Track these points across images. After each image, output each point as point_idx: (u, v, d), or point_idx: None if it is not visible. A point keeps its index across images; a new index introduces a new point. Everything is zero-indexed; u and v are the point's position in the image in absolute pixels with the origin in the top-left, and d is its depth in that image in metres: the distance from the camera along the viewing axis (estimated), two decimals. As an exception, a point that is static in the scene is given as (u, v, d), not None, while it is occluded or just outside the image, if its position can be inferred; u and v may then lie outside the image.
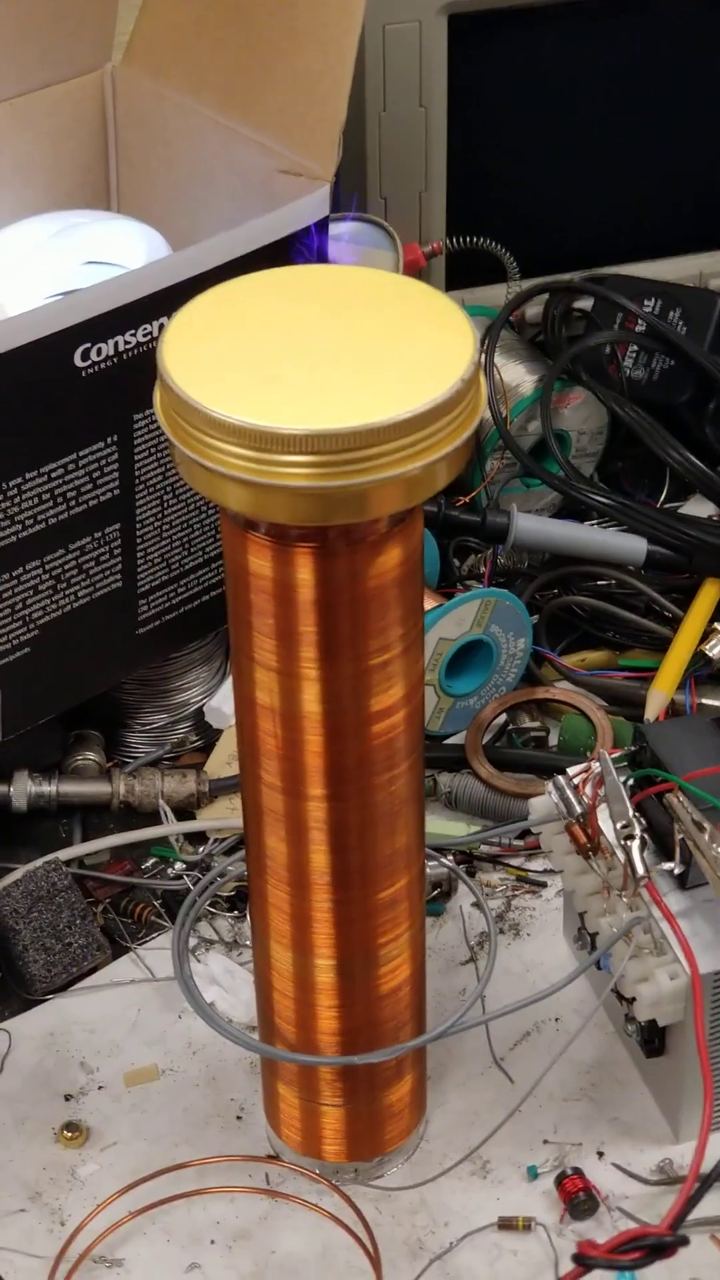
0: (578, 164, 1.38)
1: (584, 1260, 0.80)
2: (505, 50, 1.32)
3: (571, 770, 1.01)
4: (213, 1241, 0.98)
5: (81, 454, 1.03)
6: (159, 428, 1.05)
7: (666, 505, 1.33)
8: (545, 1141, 1.02)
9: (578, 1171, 0.99)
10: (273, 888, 0.91)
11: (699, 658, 1.21)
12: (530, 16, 1.30)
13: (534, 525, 1.25)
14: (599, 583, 1.27)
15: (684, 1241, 0.81)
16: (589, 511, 1.30)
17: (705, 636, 1.22)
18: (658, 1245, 0.80)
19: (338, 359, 0.77)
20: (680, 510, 1.31)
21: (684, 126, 1.39)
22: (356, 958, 0.92)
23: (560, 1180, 0.99)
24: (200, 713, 1.22)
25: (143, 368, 1.03)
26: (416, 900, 0.93)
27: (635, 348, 1.33)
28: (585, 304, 1.37)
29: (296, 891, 0.90)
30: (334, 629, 0.81)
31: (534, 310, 1.39)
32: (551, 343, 1.36)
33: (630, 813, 0.96)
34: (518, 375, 1.32)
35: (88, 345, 1.00)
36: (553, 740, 1.22)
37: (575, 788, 0.99)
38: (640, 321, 1.32)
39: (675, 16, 1.34)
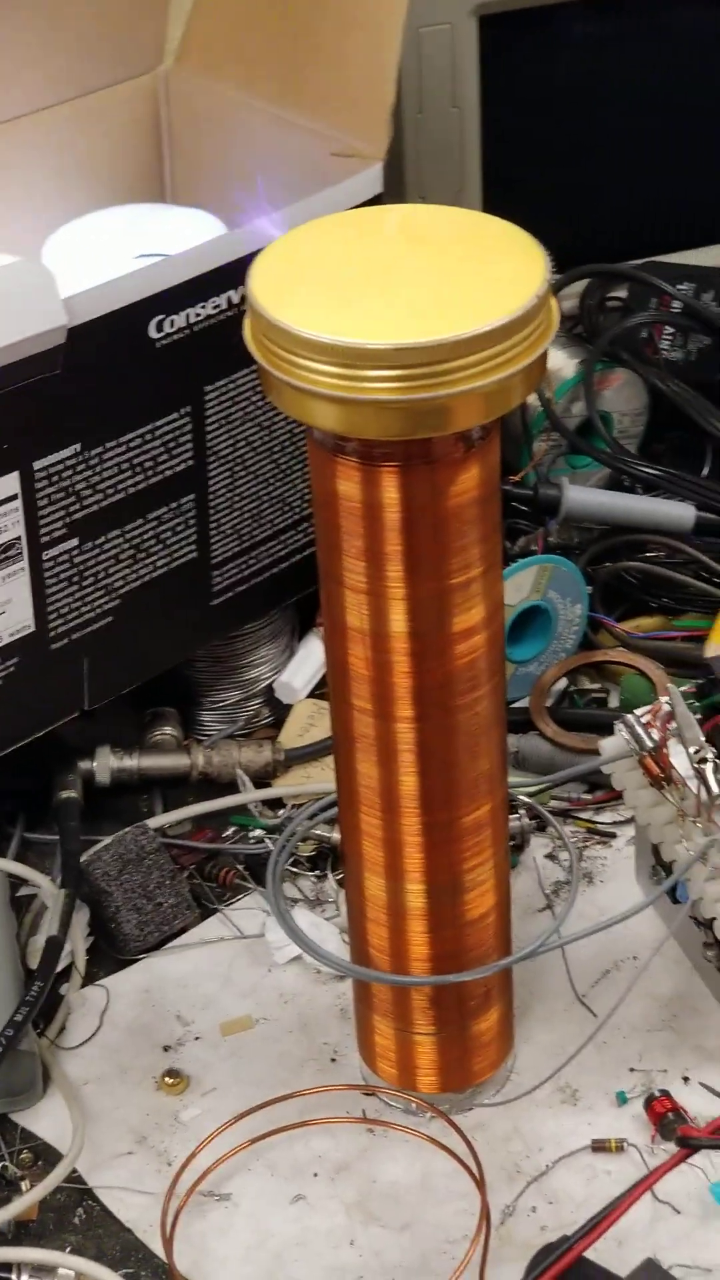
0: (608, 159, 1.42)
1: (687, 1142, 0.83)
2: (535, 49, 1.37)
3: (639, 710, 1.04)
4: (315, 1174, 1.01)
5: (158, 424, 1.08)
6: (229, 400, 1.10)
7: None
8: (631, 1070, 1.05)
9: (665, 1094, 1.02)
10: (364, 815, 0.94)
11: (752, 615, 1.25)
12: (559, 15, 1.35)
13: (585, 496, 1.29)
14: (648, 552, 1.31)
15: (783, 1123, 0.84)
16: (634, 487, 1.34)
17: (757, 595, 1.26)
18: (758, 1125, 0.83)
19: (418, 283, 0.82)
20: (725, 481, 1.35)
21: (710, 122, 1.43)
22: (444, 882, 0.96)
23: (649, 1103, 1.02)
24: (270, 689, 1.25)
25: (213, 341, 1.07)
26: (500, 828, 0.97)
27: (672, 330, 1.37)
28: (620, 294, 1.41)
29: (387, 816, 0.94)
30: (418, 547, 0.85)
31: (569, 304, 1.43)
32: (590, 331, 1.40)
33: (702, 738, 1.00)
34: (559, 360, 1.36)
35: (161, 317, 1.05)
36: (613, 701, 1.25)
37: (645, 725, 1.03)
38: (676, 304, 1.36)
39: (703, 10, 1.38)
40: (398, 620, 0.87)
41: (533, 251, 0.82)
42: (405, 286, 0.81)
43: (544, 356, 0.82)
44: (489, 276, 0.82)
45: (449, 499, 0.85)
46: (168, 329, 1.05)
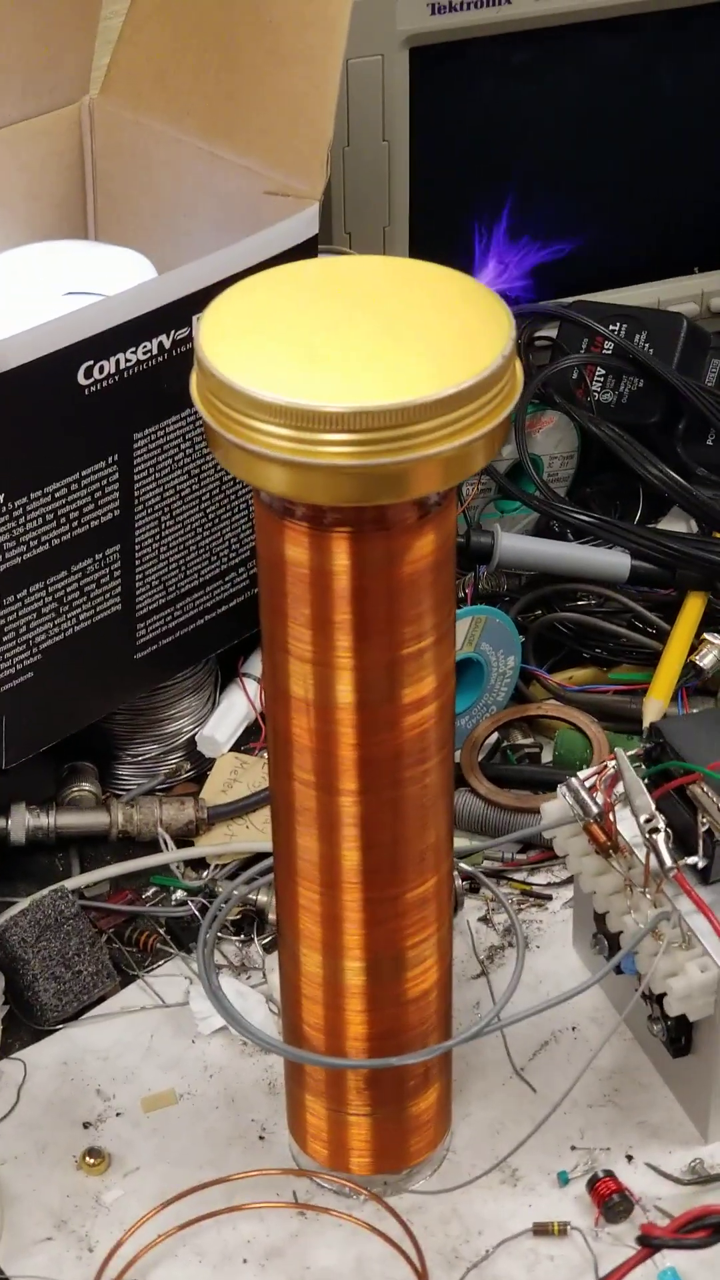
0: (537, 195, 1.39)
1: (649, 1241, 0.80)
2: (466, 82, 1.34)
3: (583, 773, 1.01)
4: (245, 1260, 0.96)
5: (84, 473, 1.03)
6: (157, 448, 1.06)
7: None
8: (573, 1148, 1.01)
9: (609, 1174, 0.98)
10: (303, 889, 0.90)
11: (690, 668, 1.22)
12: (490, 47, 1.32)
13: (518, 544, 1.26)
14: (581, 601, 1.28)
15: (747, 1219, 0.81)
16: (565, 532, 1.31)
17: (694, 647, 1.22)
18: (722, 1222, 0.79)
19: (375, 341, 0.77)
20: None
21: (640, 157, 1.41)
22: (386, 960, 0.92)
23: (593, 1184, 0.98)
24: (192, 742, 1.21)
25: (142, 387, 1.03)
26: (445, 901, 0.93)
27: (603, 372, 1.34)
28: (550, 333, 1.38)
29: (327, 891, 0.89)
30: (369, 616, 0.81)
31: (497, 342, 1.40)
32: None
33: (653, 806, 0.96)
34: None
35: (90, 363, 1.00)
36: (546, 756, 1.22)
37: (590, 789, 0.99)
38: (607, 345, 1.33)
39: (631, 49, 1.36)
40: (345, 691, 0.83)
41: (497, 309, 0.78)
42: (363, 345, 0.77)
43: (508, 420, 0.78)
44: (451, 335, 0.78)
45: (403, 566, 0.81)
46: (97, 375, 1.01)
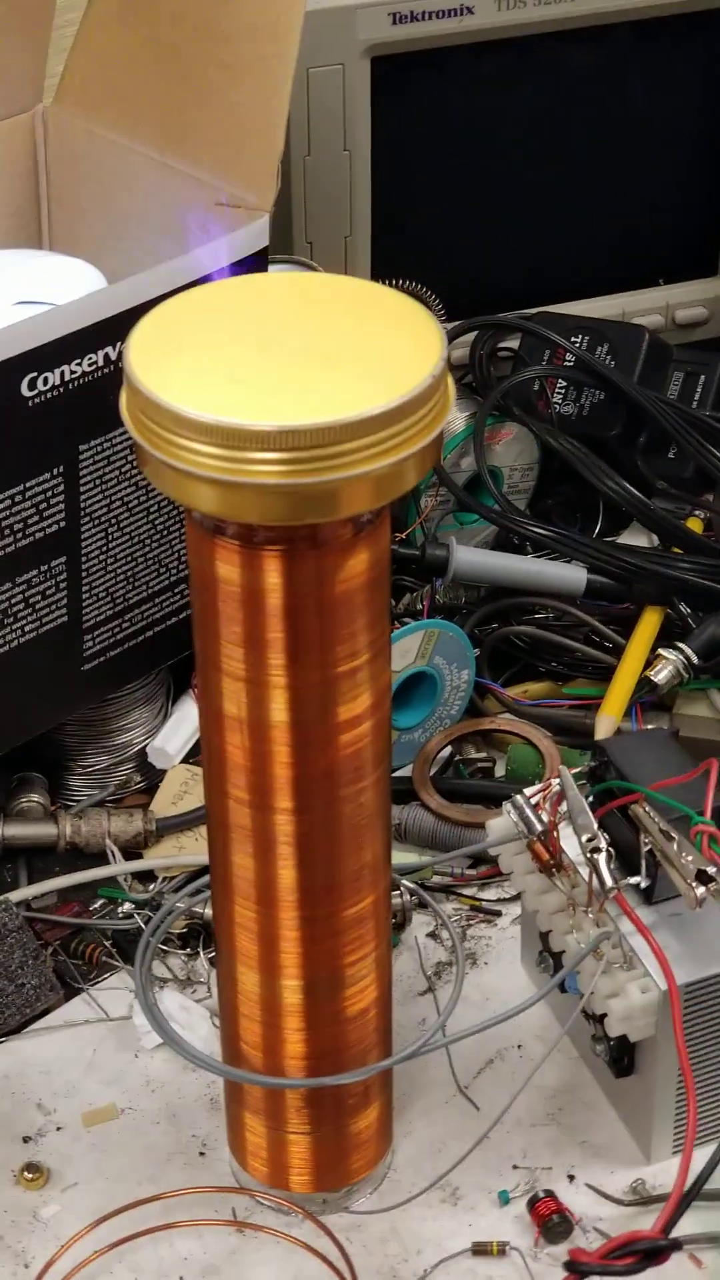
0: (501, 205, 1.39)
1: (577, 1267, 0.79)
2: (428, 92, 1.33)
3: (529, 790, 1.00)
4: (181, 1277, 0.96)
5: (29, 485, 1.03)
6: (104, 459, 1.05)
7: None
8: (515, 1167, 1.00)
9: (550, 1194, 0.98)
10: (239, 907, 0.90)
11: (644, 683, 1.21)
12: (453, 56, 1.31)
13: (473, 557, 1.25)
14: (537, 615, 1.27)
15: (677, 1246, 0.80)
16: (524, 545, 1.30)
17: (649, 663, 1.22)
18: (652, 1249, 0.79)
19: (305, 358, 0.77)
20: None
21: (603, 168, 1.40)
22: (323, 978, 0.91)
23: (533, 1204, 0.98)
24: (143, 753, 1.20)
25: (88, 398, 1.02)
26: (383, 920, 0.93)
27: (564, 384, 1.34)
28: (512, 344, 1.38)
29: (263, 909, 0.89)
30: (302, 634, 0.81)
31: (459, 353, 1.39)
32: (480, 383, 1.36)
33: (595, 826, 0.96)
34: (449, 413, 1.32)
35: (34, 374, 0.99)
36: (499, 771, 1.21)
37: (534, 806, 0.99)
38: (569, 357, 1.33)
39: (595, 60, 1.35)
40: (278, 709, 0.83)
41: (428, 326, 0.78)
42: (293, 362, 0.76)
43: (439, 439, 0.77)
44: (381, 353, 0.77)
45: (335, 585, 0.80)
46: (41, 386, 1.00)
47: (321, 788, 0.85)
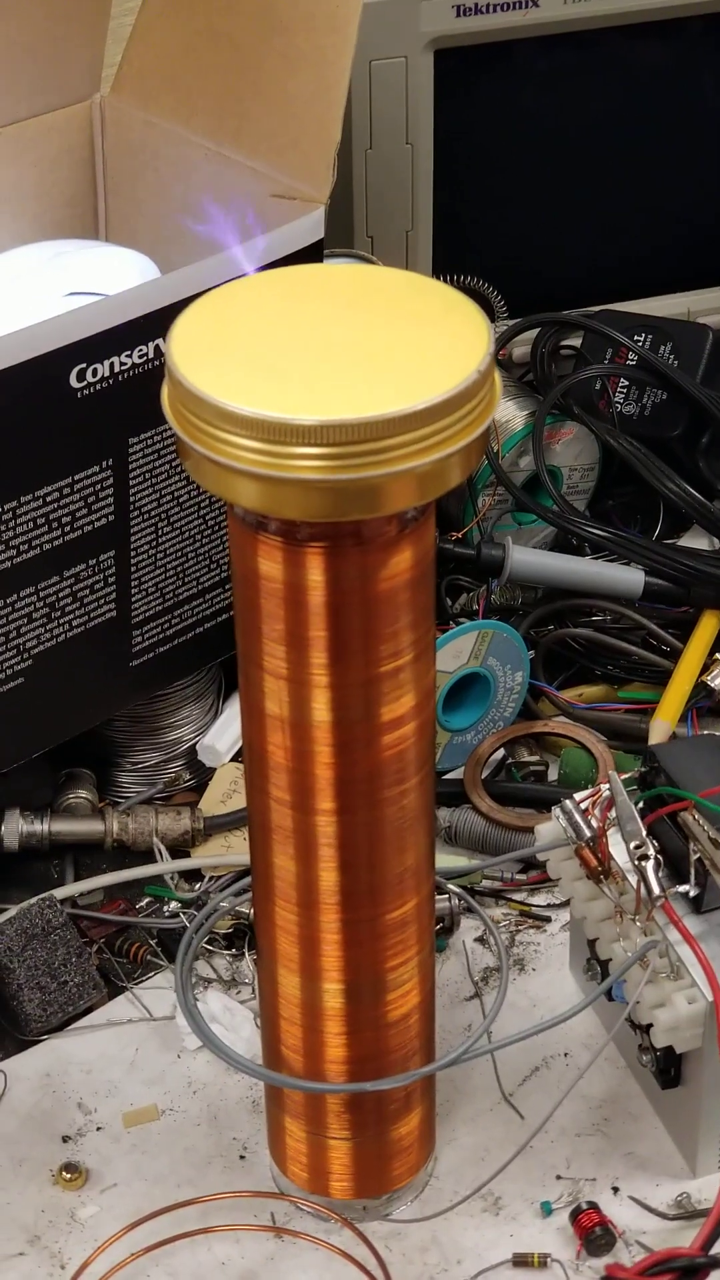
0: (565, 201, 1.37)
1: (613, 1282, 0.77)
2: (492, 86, 1.31)
3: (579, 795, 0.99)
4: (218, 1283, 0.95)
5: (77, 478, 1.02)
6: (154, 453, 1.04)
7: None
8: (558, 1177, 0.99)
9: (593, 1206, 0.96)
10: (280, 909, 0.88)
11: (700, 689, 1.19)
12: (517, 49, 1.30)
13: (530, 558, 1.24)
14: (594, 617, 1.26)
15: (716, 1264, 0.78)
16: (582, 546, 1.28)
17: (707, 667, 1.20)
18: (690, 1267, 0.78)
19: (350, 353, 0.75)
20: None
21: (671, 164, 1.38)
22: (365, 982, 0.90)
23: (575, 1215, 0.96)
24: (193, 751, 1.19)
25: (138, 390, 1.01)
26: (426, 924, 0.91)
27: (626, 383, 1.32)
28: (574, 342, 1.36)
29: (304, 912, 0.88)
30: (345, 633, 0.79)
31: (521, 350, 1.38)
32: (540, 380, 1.35)
33: (644, 833, 0.94)
34: (508, 411, 1.31)
35: (83, 365, 0.98)
36: (552, 775, 1.20)
37: (584, 812, 0.97)
38: (631, 356, 1.31)
39: (663, 54, 1.34)
40: (320, 709, 0.81)
41: (476, 321, 0.76)
42: (337, 356, 0.75)
43: (485, 435, 0.76)
44: (428, 347, 0.76)
45: (379, 583, 0.79)
46: (90, 378, 0.99)
47: (364, 789, 0.84)
